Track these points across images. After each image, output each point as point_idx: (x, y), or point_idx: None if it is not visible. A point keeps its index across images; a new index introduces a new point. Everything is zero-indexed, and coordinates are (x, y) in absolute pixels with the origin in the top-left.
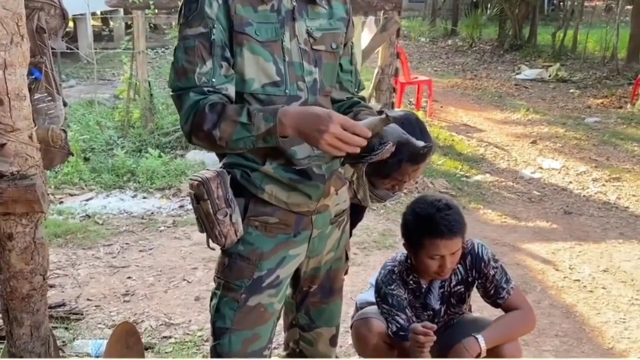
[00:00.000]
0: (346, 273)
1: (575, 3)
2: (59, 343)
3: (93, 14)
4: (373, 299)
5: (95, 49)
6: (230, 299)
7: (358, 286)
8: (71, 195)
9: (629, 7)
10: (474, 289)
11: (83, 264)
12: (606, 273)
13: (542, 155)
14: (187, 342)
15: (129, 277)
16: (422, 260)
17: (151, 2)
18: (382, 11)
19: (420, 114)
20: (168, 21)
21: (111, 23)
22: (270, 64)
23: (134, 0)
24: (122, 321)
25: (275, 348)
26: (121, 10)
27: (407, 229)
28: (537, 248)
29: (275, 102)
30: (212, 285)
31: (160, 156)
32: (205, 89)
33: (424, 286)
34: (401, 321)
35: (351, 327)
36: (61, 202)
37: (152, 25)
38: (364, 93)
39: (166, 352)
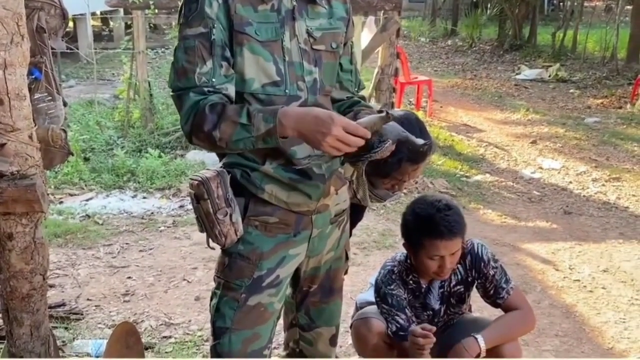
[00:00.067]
0: (346, 273)
1: (575, 3)
2: (59, 343)
3: (93, 14)
4: (373, 299)
5: (95, 49)
6: (230, 299)
7: (358, 286)
8: (71, 195)
9: (628, 7)
10: (474, 289)
11: (83, 264)
12: (606, 273)
13: (542, 155)
14: (187, 342)
15: (129, 277)
16: (421, 260)
17: (151, 2)
18: (382, 11)
19: (420, 114)
20: (168, 21)
21: (111, 23)
22: (270, 63)
23: (134, 0)
24: (122, 321)
25: (275, 348)
26: (121, 10)
27: (407, 229)
28: (537, 248)
29: (275, 102)
30: (212, 285)
31: (160, 156)
32: (206, 89)
33: (424, 286)
34: (401, 321)
35: (351, 327)
36: (61, 202)
37: (152, 25)
38: (364, 93)
39: (166, 352)
